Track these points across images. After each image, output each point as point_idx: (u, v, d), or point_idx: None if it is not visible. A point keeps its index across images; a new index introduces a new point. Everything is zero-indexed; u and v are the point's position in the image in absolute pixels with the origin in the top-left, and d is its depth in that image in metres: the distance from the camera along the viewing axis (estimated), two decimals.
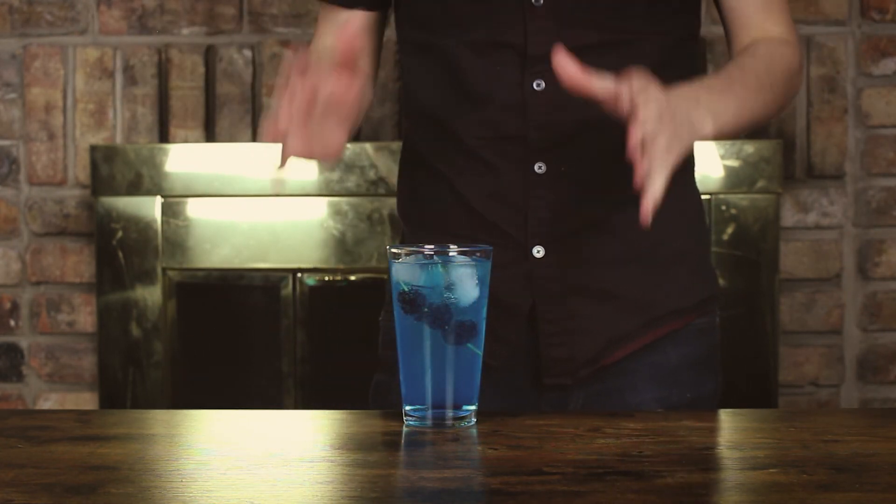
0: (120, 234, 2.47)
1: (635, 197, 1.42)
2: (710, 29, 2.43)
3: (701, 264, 1.49)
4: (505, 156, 1.42)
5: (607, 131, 1.40)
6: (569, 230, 1.41)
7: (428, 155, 1.48)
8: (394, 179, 2.40)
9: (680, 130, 1.27)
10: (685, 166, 1.49)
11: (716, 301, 1.50)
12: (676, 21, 1.45)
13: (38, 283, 2.61)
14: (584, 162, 1.41)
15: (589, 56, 1.34)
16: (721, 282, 2.44)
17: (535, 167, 1.40)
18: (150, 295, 2.47)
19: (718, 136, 1.36)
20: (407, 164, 1.53)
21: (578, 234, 1.41)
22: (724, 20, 1.50)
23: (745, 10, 1.47)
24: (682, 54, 1.46)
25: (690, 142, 1.30)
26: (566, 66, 1.25)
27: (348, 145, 2.43)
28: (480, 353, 1.19)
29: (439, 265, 1.18)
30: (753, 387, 2.45)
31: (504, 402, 1.43)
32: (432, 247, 1.20)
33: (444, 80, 1.43)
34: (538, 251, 1.41)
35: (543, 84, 1.39)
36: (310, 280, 2.46)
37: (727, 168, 2.42)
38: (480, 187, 1.43)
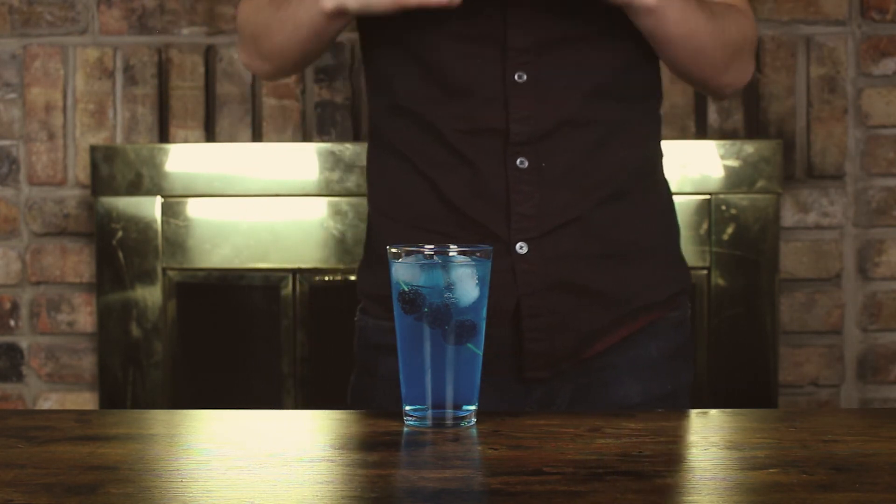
0: (120, 234, 2.47)
1: (612, 193, 1.43)
2: None
3: (672, 259, 1.51)
4: (485, 150, 1.40)
5: (588, 126, 1.41)
6: (550, 226, 1.40)
7: (403, 148, 1.45)
8: None
9: None
10: (653, 159, 1.49)
11: (686, 295, 1.52)
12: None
13: (38, 283, 2.61)
14: (565, 157, 1.41)
15: (565, 47, 1.34)
16: (721, 282, 2.44)
17: (517, 162, 1.40)
18: (150, 295, 2.47)
19: (662, 20, 1.37)
20: (377, 157, 1.50)
21: (559, 230, 1.41)
22: None
23: None
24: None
25: None
26: None
27: (348, 145, 2.43)
28: (480, 353, 1.19)
29: (439, 265, 1.18)
30: (753, 387, 2.45)
31: (491, 399, 1.43)
32: (432, 247, 1.20)
33: (419, 72, 1.42)
34: (521, 247, 1.41)
35: (525, 76, 1.39)
36: (310, 280, 2.46)
37: (727, 168, 2.42)
38: (461, 183, 1.42)
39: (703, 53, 1.43)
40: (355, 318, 1.51)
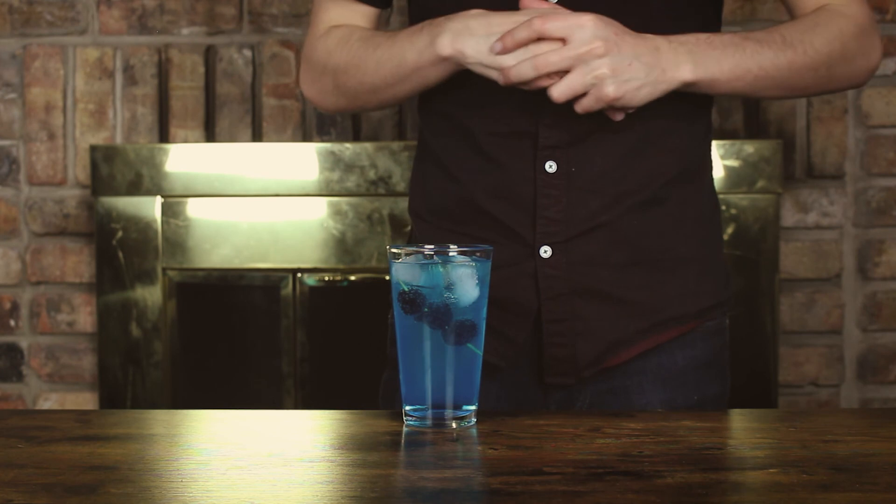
0: (120, 234, 2.47)
1: (645, 200, 1.42)
2: None
3: (709, 270, 1.47)
4: (515, 153, 1.41)
5: (618, 132, 1.40)
6: (577, 231, 1.40)
7: (439, 151, 1.48)
8: (394, 179, 2.40)
9: (634, 69, 1.31)
10: (695, 168, 1.48)
11: (724, 306, 1.48)
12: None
13: (38, 283, 2.61)
14: (597, 163, 1.40)
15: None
16: None
17: (546, 166, 1.40)
18: (150, 295, 2.47)
19: (711, 85, 1.35)
20: (419, 161, 1.53)
21: (586, 236, 1.40)
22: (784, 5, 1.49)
23: None
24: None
25: (654, 84, 1.32)
26: None
27: (348, 145, 2.43)
28: (480, 353, 1.19)
29: (439, 265, 1.18)
30: (753, 387, 2.45)
31: (509, 401, 1.43)
32: (432, 247, 1.20)
33: (458, 78, 1.43)
34: (545, 251, 1.40)
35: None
36: (310, 280, 2.46)
37: (727, 168, 2.42)
38: (489, 185, 1.43)
39: (784, 85, 1.39)
40: (388, 316, 1.52)
